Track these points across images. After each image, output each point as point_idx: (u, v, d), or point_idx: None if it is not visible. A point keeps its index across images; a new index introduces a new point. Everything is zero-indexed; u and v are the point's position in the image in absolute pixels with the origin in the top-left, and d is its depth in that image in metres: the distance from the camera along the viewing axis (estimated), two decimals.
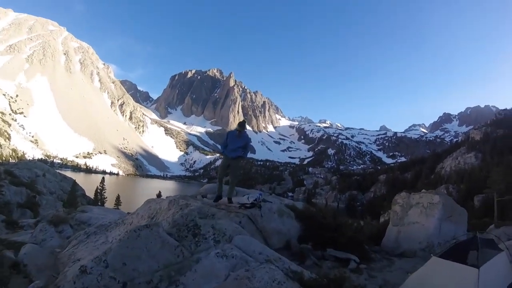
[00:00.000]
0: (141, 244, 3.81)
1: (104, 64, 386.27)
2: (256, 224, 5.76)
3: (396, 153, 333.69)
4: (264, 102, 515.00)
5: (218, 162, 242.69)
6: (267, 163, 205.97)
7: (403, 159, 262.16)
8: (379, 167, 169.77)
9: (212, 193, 7.76)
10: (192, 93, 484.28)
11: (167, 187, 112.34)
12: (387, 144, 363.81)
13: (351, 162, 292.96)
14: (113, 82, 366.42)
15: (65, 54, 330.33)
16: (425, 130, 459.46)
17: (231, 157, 6.54)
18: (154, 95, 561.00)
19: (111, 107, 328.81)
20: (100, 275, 3.39)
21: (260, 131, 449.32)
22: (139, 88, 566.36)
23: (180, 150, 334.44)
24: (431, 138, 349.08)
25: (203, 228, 4.61)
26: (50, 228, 7.07)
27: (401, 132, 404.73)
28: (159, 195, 35.66)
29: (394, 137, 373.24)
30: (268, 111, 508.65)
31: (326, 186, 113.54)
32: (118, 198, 41.16)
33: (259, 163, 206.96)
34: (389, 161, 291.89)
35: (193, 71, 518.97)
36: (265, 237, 5.72)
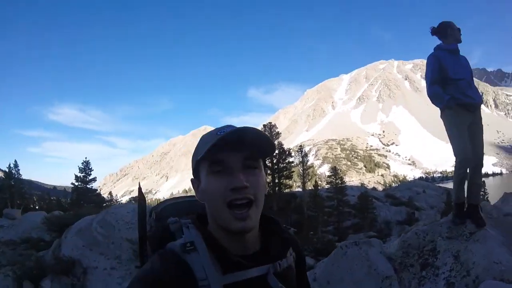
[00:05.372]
0: (346, 265, 3.35)
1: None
2: None
3: None
4: None
5: None
6: None
7: None
8: None
9: None
10: None
11: None
12: None
13: None
14: None
15: (406, 79, 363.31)
16: None
17: (476, 102, 2.88)
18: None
19: None
20: None
21: None
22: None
23: None
24: None
25: (441, 256, 2.74)
26: None
27: None
28: None
29: None
30: None
31: None
32: None
33: None
34: None
35: None
36: None
